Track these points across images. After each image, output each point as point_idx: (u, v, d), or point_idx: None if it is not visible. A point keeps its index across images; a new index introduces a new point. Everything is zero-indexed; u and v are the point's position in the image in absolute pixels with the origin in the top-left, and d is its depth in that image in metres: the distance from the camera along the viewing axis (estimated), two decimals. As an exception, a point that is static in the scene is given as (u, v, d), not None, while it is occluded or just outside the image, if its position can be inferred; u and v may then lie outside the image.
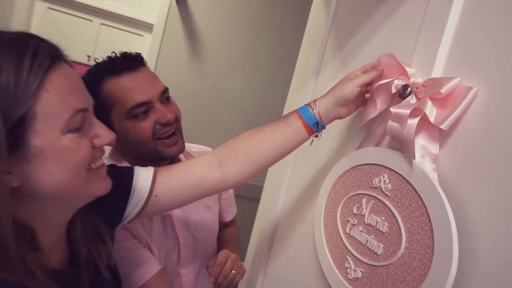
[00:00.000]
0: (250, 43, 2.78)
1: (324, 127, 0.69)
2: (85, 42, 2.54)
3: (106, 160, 0.67)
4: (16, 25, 2.37)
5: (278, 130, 0.69)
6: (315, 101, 0.69)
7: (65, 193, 0.52)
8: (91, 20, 2.57)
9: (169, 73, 2.65)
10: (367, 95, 0.69)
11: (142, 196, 0.69)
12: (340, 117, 0.70)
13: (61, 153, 0.50)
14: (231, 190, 1.13)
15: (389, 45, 0.71)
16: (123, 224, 0.72)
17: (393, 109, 0.57)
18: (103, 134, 0.55)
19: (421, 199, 0.52)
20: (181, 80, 2.70)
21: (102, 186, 0.57)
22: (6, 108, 0.45)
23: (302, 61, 1.07)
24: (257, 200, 1.16)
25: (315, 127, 0.68)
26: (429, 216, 0.51)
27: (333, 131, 0.81)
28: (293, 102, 1.07)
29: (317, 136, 0.70)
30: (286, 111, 1.10)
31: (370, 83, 0.66)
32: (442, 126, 0.51)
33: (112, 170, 0.65)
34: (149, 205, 0.70)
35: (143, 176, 0.70)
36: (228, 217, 1.14)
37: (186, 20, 2.64)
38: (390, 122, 0.58)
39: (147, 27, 2.61)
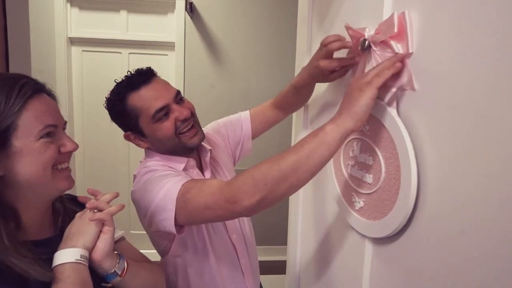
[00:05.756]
0: (266, 41, 2.86)
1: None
2: (118, 72, 2.80)
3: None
4: (60, 68, 2.69)
5: None
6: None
7: (37, 183, 0.70)
8: (120, 52, 2.83)
9: (197, 83, 2.84)
10: None
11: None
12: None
13: (34, 152, 0.68)
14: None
15: (356, 12, 0.83)
16: None
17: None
18: (68, 144, 0.74)
19: (388, 131, 0.65)
20: (209, 87, 2.87)
21: (65, 183, 0.74)
22: None
23: (299, 43, 1.21)
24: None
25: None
26: (393, 142, 0.64)
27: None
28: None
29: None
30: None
31: None
32: (410, 51, 0.62)
33: None
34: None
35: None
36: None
37: (203, 31, 2.79)
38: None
39: (170, 46, 2.80)
